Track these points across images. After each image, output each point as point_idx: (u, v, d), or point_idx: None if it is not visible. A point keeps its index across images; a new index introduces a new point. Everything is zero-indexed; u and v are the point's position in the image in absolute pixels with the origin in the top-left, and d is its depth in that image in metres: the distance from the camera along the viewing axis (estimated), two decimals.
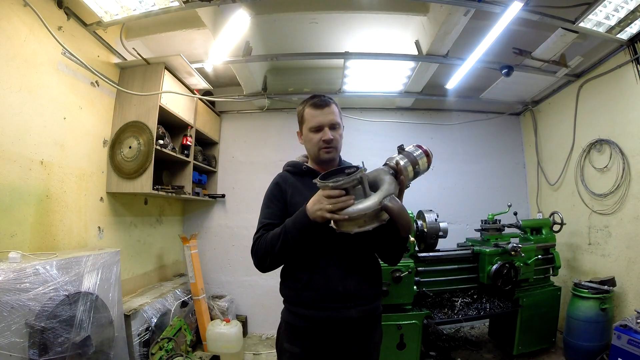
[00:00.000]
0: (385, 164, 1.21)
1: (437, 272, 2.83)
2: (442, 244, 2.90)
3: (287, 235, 1.16)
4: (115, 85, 2.74)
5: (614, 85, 3.01)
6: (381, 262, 1.39)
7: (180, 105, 3.19)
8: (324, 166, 1.38)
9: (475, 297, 2.89)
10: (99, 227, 2.70)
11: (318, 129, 1.33)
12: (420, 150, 1.27)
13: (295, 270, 1.28)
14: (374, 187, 1.11)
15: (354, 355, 1.25)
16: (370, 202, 1.04)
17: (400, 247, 1.30)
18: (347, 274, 1.23)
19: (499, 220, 3.09)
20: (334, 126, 1.34)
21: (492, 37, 2.64)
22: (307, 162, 1.43)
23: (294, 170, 1.42)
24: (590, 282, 2.82)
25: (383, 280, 2.43)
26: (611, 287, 2.75)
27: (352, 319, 1.21)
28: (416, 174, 1.24)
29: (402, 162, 1.18)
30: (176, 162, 3.27)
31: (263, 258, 1.23)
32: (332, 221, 1.08)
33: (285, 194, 1.35)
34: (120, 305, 2.34)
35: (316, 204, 1.09)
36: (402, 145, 1.28)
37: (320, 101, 1.34)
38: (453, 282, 2.87)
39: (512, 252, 2.75)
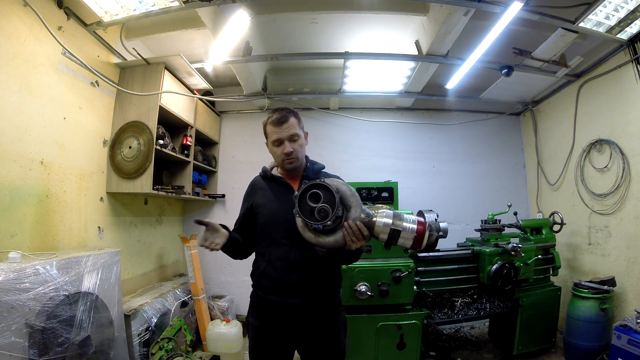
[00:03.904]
0: (372, 214, 1.29)
1: (437, 272, 2.83)
2: (442, 244, 2.87)
3: None
4: (115, 85, 2.74)
5: (613, 85, 3.01)
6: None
7: (180, 105, 3.19)
8: (289, 173, 1.56)
9: (475, 297, 2.89)
10: (99, 227, 2.70)
11: (279, 143, 1.48)
12: (414, 228, 1.28)
13: (257, 260, 1.54)
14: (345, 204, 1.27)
15: (304, 333, 1.45)
16: (329, 243, 1.26)
17: (342, 260, 1.50)
18: (293, 268, 1.42)
19: (499, 220, 3.09)
20: (292, 138, 1.49)
21: (492, 37, 2.64)
22: (277, 167, 1.63)
23: (263, 175, 1.62)
24: (590, 282, 2.82)
25: (383, 280, 2.47)
26: (611, 287, 2.75)
27: (296, 305, 1.42)
28: (391, 240, 1.27)
29: (384, 221, 1.26)
30: (176, 162, 3.27)
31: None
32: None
33: (254, 195, 1.57)
34: (120, 305, 2.34)
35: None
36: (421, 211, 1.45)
37: (278, 119, 1.48)
38: (453, 282, 2.88)
39: (512, 252, 2.75)
